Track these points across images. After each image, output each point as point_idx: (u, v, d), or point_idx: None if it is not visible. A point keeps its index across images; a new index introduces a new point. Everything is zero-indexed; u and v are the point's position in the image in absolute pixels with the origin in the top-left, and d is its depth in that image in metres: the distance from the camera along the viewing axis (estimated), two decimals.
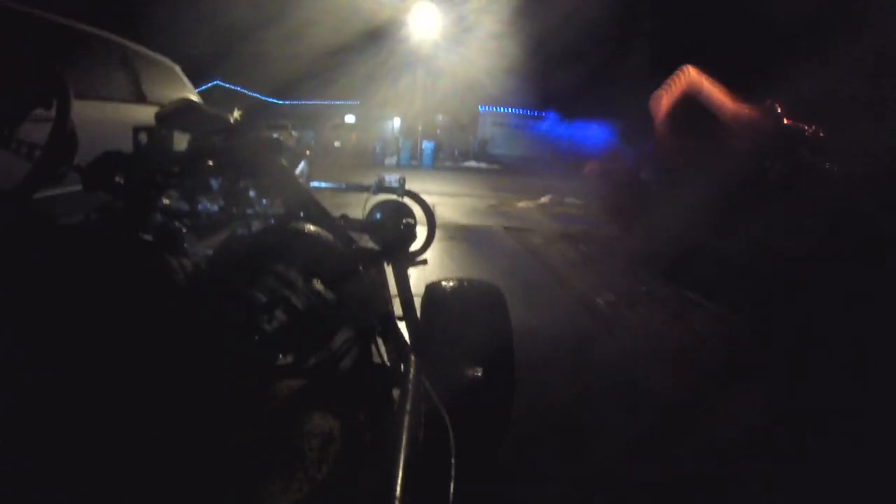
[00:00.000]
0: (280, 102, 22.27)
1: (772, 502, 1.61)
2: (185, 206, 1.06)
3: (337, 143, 19.12)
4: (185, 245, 0.99)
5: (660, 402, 2.02)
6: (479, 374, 1.23)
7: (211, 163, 1.07)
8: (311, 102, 23.17)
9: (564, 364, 2.24)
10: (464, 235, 4.96)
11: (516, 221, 6.10)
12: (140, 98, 3.45)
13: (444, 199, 7.54)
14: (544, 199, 7.90)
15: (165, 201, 1.07)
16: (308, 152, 1.59)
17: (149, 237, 0.94)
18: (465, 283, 1.41)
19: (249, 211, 1.09)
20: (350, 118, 23.37)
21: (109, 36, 3.29)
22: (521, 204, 7.73)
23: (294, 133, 17.40)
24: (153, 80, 3.64)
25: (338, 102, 23.31)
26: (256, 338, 0.78)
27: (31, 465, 0.53)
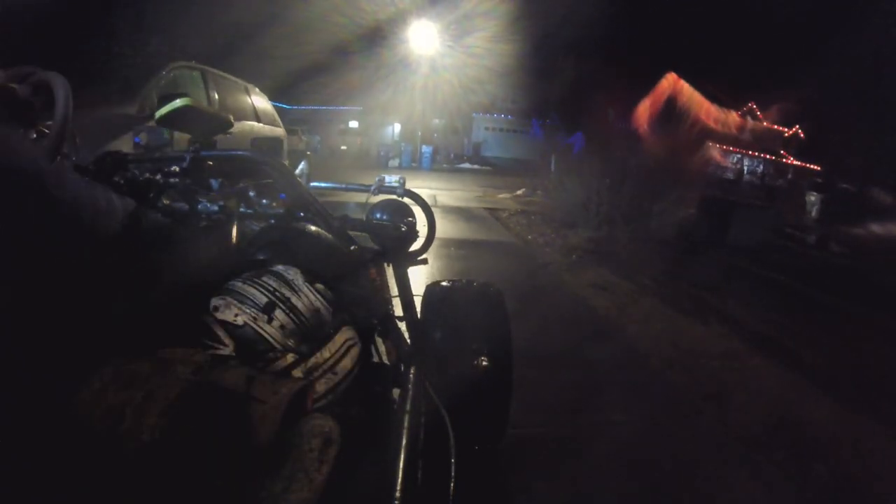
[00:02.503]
0: (289, 108, 22.35)
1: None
2: (185, 206, 1.05)
3: (343, 147, 20.03)
4: (186, 245, 0.99)
5: (542, 263, 4.73)
6: (479, 374, 1.23)
7: (211, 163, 1.07)
8: (318, 108, 23.37)
9: (503, 257, 4.88)
10: (455, 212, 7.51)
11: (493, 205, 8.72)
12: (256, 117, 5.17)
13: (442, 192, 10.11)
14: (519, 192, 10.34)
15: (165, 201, 1.07)
16: (308, 153, 1.59)
17: (148, 237, 0.93)
18: (465, 284, 1.41)
19: (249, 211, 1.09)
20: (354, 123, 23.97)
21: (237, 79, 5.07)
22: (501, 195, 10.20)
23: (303, 137, 17.87)
24: (259, 101, 5.41)
25: (342, 108, 23.59)
26: (256, 338, 0.78)
27: (30, 464, 0.53)
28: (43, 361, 0.59)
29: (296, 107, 22.84)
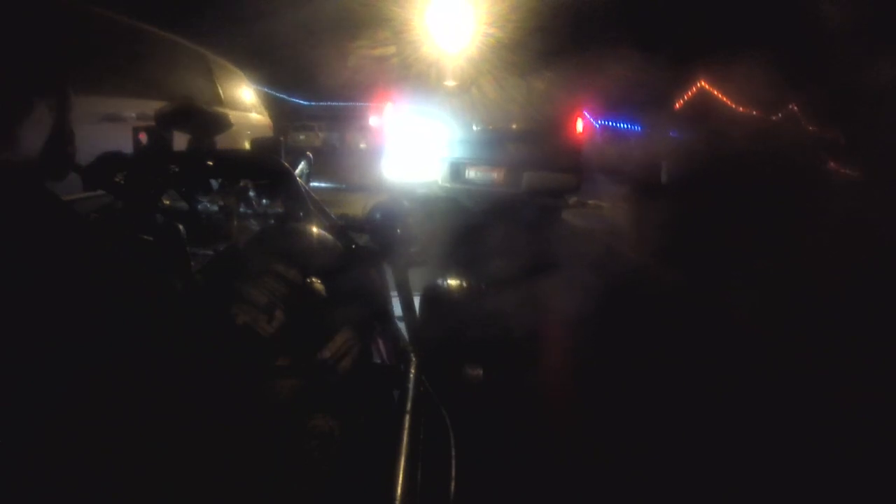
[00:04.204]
0: (306, 104, 21.69)
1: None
2: (185, 206, 1.05)
3: (363, 145, 19.40)
4: (186, 245, 0.99)
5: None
6: (480, 375, 1.23)
7: (211, 163, 1.07)
8: (336, 104, 22.69)
9: None
10: None
11: None
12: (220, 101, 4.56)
13: None
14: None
15: (165, 201, 1.07)
16: (308, 153, 1.57)
17: (149, 237, 0.94)
18: (464, 282, 1.42)
19: (249, 211, 1.09)
20: (375, 120, 23.16)
21: (183, 41, 4.11)
22: None
23: (320, 134, 17.31)
24: (228, 79, 4.69)
25: (361, 104, 22.90)
26: (256, 338, 0.78)
27: (28, 466, 0.53)
28: (42, 363, 0.59)
29: (314, 103, 22.12)
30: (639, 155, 8.35)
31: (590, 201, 7.47)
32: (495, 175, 5.01)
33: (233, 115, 4.75)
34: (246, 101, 4.97)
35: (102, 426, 0.58)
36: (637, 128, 9.49)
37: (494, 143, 5.09)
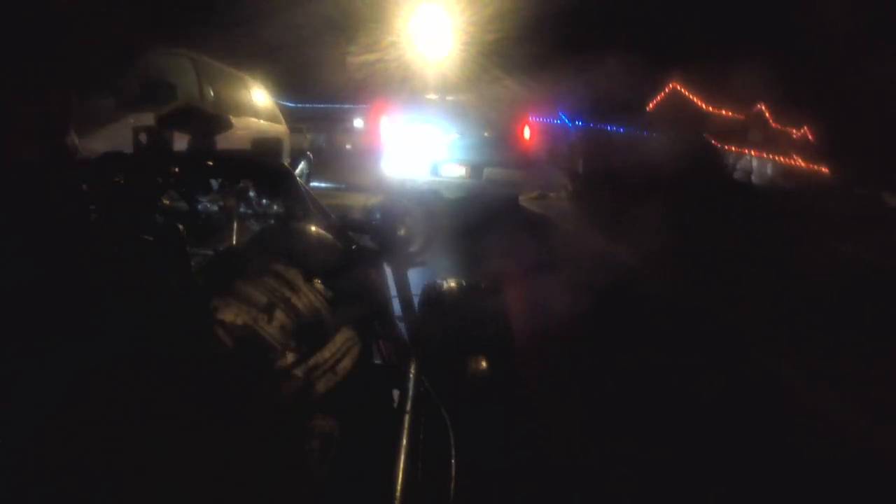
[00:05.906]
0: (293, 105, 21.80)
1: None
2: (185, 206, 1.05)
3: (348, 146, 19.48)
4: (186, 245, 0.99)
5: None
6: (480, 374, 1.23)
7: (211, 163, 1.07)
8: (322, 106, 22.82)
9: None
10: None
11: None
12: (256, 113, 5.55)
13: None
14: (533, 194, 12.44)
15: (165, 201, 1.07)
16: (309, 153, 1.59)
17: (149, 237, 0.94)
18: (464, 282, 1.41)
19: (249, 211, 1.09)
20: (359, 122, 23.19)
21: (234, 70, 5.35)
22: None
23: (308, 136, 17.65)
24: (259, 96, 5.74)
25: (346, 106, 23.04)
26: (256, 338, 0.78)
27: (28, 466, 0.53)
28: (42, 363, 0.59)
29: (301, 105, 22.25)
30: (566, 149, 9.92)
31: (551, 194, 8.77)
32: (464, 171, 6.60)
33: (262, 125, 5.49)
34: (270, 111, 6.04)
35: (102, 426, 0.58)
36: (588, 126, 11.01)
37: (464, 145, 6.61)
